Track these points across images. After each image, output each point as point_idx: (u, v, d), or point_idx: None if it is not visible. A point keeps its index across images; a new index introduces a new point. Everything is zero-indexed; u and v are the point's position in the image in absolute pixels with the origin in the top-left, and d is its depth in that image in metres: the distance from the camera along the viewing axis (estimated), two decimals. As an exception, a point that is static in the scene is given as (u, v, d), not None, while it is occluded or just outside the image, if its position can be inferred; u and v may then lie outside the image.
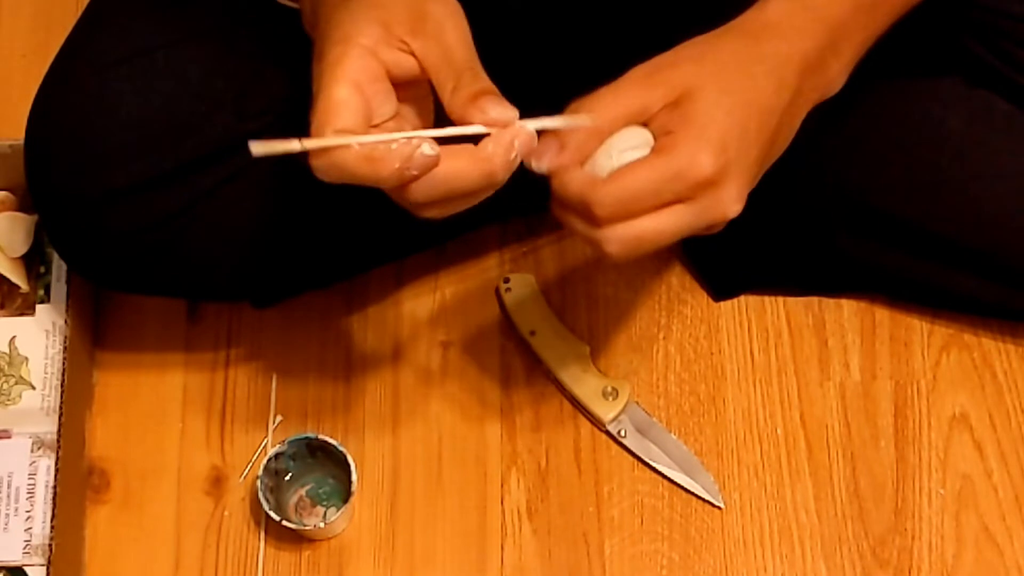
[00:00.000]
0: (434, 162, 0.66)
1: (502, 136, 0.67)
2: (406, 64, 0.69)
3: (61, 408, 1.01)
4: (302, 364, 1.10)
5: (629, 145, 0.72)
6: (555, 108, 0.73)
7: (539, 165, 0.71)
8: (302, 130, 0.90)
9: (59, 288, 1.06)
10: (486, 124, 0.67)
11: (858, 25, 0.78)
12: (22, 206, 1.09)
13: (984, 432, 1.06)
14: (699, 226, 0.72)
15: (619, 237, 0.71)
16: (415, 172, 0.66)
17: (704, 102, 0.71)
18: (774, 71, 0.74)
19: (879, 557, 1.02)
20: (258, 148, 0.65)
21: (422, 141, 0.65)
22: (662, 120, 0.72)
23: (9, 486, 1.01)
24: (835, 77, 0.78)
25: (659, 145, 0.72)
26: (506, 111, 0.67)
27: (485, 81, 0.68)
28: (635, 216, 0.71)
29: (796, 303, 1.11)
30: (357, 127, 0.66)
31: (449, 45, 0.68)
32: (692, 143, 0.70)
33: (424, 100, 0.71)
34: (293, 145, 0.65)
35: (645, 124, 0.73)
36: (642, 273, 1.12)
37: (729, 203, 0.72)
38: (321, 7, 0.74)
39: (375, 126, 0.68)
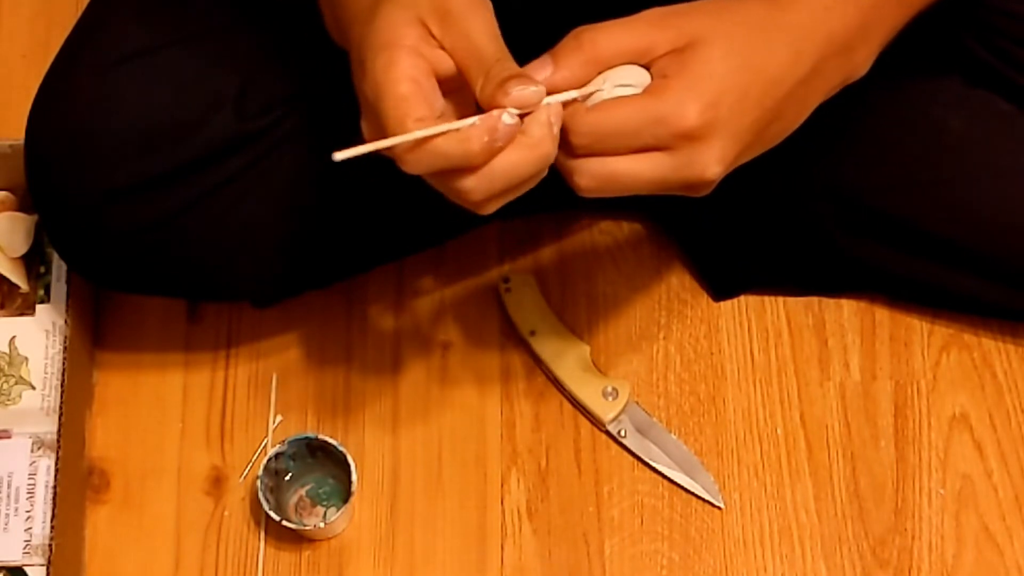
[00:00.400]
0: (516, 129, 0.66)
1: (540, 116, 0.67)
2: (446, 61, 0.69)
3: (61, 408, 1.01)
4: (302, 364, 1.10)
5: (624, 81, 0.71)
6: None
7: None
8: (306, 130, 0.91)
9: (59, 288, 1.06)
10: (516, 106, 0.67)
11: (892, 11, 0.76)
12: (22, 206, 1.09)
13: (984, 432, 1.06)
14: (675, 180, 0.71)
15: (591, 171, 0.70)
16: (501, 143, 0.66)
17: (708, 54, 0.70)
18: (793, 43, 0.72)
19: (879, 557, 1.02)
20: (341, 155, 0.66)
21: (502, 112, 0.66)
22: (663, 64, 0.71)
23: (9, 486, 1.01)
24: (861, 62, 0.76)
25: (651, 87, 0.70)
26: (533, 90, 0.67)
27: (513, 68, 0.67)
28: (611, 153, 0.70)
29: (796, 303, 1.11)
30: (430, 116, 0.67)
31: (475, 38, 0.68)
32: (683, 91, 0.69)
33: (464, 93, 0.71)
34: (379, 144, 0.66)
35: (647, 66, 0.71)
36: (642, 273, 1.12)
37: (709, 163, 0.70)
38: (345, 13, 0.73)
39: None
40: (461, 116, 0.69)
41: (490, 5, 0.70)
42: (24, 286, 1.07)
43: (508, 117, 0.66)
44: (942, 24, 0.94)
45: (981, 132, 0.96)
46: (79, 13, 0.94)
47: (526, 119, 0.67)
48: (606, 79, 0.71)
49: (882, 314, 1.10)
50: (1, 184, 1.09)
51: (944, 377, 1.08)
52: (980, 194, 0.97)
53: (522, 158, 0.67)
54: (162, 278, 0.95)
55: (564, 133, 0.70)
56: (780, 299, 1.11)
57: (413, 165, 0.67)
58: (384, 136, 0.67)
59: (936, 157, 0.97)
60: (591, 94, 0.71)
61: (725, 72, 0.70)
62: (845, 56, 0.75)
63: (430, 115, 0.67)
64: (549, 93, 0.69)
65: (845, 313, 1.10)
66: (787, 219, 1.04)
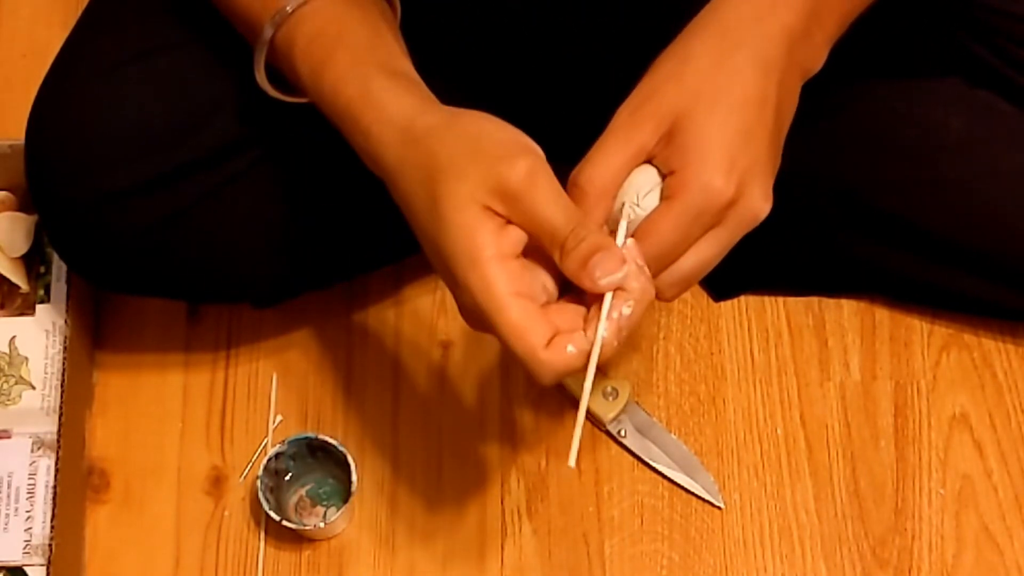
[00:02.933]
0: (640, 304, 0.69)
1: (632, 271, 0.68)
2: (522, 235, 0.69)
3: (61, 408, 1.01)
4: (302, 364, 1.10)
5: (642, 191, 0.72)
6: (558, 111, 0.72)
7: None
8: (305, 131, 0.91)
9: (59, 288, 1.06)
10: (602, 291, 0.68)
11: None
12: (22, 206, 1.09)
13: (984, 432, 1.06)
14: (736, 239, 0.73)
15: (667, 283, 0.73)
16: (627, 332, 0.69)
17: (696, 125, 0.71)
18: (756, 55, 0.73)
19: (879, 557, 1.02)
20: (573, 459, 0.71)
21: (617, 308, 0.68)
22: (662, 157, 0.72)
23: (9, 486, 1.01)
24: (820, 48, 0.77)
25: (669, 189, 0.71)
26: (618, 267, 0.68)
27: (583, 238, 0.68)
28: (676, 260, 0.72)
29: (796, 303, 1.11)
30: (551, 331, 0.68)
31: (540, 214, 0.68)
32: (699, 176, 0.70)
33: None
34: (580, 423, 0.71)
35: (648, 160, 0.73)
36: (642, 273, 1.12)
37: (758, 207, 0.72)
38: (375, 167, 0.74)
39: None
40: (549, 264, 0.70)
41: (544, 160, 0.69)
42: (24, 286, 1.07)
43: (626, 308, 0.68)
44: (943, 25, 0.94)
45: (982, 132, 0.96)
46: (79, 13, 0.94)
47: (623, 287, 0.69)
48: (624, 199, 0.72)
49: (882, 314, 1.10)
50: (1, 184, 1.09)
51: (944, 377, 1.08)
52: (980, 194, 0.97)
53: (638, 313, 0.69)
54: (162, 279, 0.95)
55: None
56: (780, 299, 1.11)
57: (551, 379, 0.70)
58: (497, 330, 0.69)
59: (936, 157, 0.97)
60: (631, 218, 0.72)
61: (718, 129, 0.71)
62: (807, 45, 0.75)
63: (550, 330, 0.68)
64: None
65: (845, 313, 1.10)
66: (788, 219, 1.04)
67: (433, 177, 0.69)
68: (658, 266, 0.71)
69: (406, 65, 0.77)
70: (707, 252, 0.72)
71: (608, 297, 0.69)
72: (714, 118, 0.71)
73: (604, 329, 0.68)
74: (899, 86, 0.97)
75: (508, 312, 0.67)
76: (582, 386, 1.04)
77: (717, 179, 0.70)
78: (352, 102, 0.74)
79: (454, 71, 0.76)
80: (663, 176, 0.72)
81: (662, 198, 0.72)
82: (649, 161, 0.73)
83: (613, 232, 0.72)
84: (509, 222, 0.69)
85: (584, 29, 0.93)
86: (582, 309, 0.70)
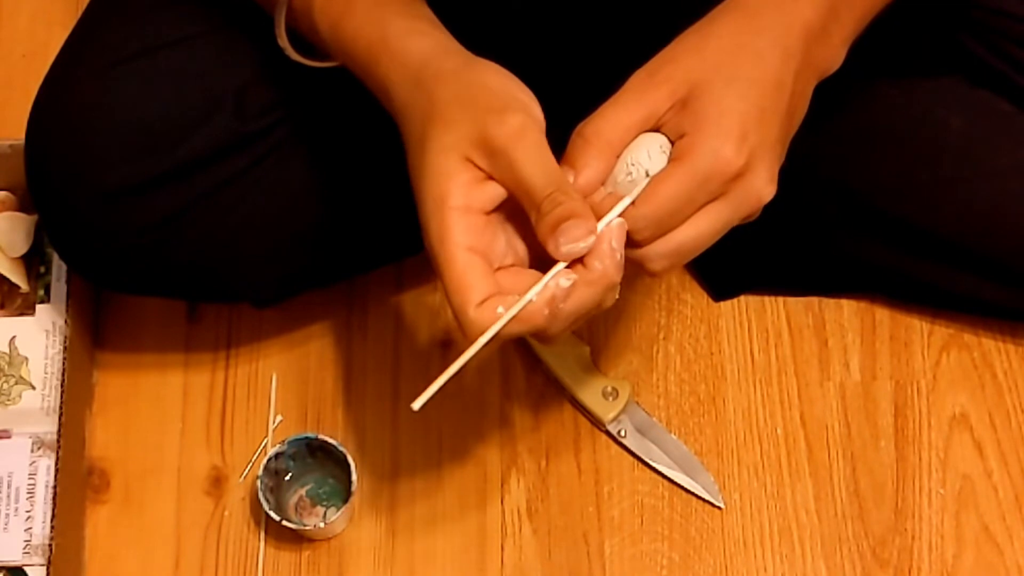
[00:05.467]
0: (575, 286, 0.67)
1: (601, 249, 0.67)
2: (499, 192, 0.69)
3: (61, 408, 1.01)
4: (302, 364, 1.10)
5: (646, 155, 0.70)
6: (561, 102, 0.72)
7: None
8: (306, 130, 0.91)
9: (59, 288, 1.06)
10: (570, 259, 0.67)
11: None
12: (22, 206, 1.09)
13: (984, 432, 1.06)
14: (737, 219, 0.71)
15: (660, 253, 0.71)
16: (563, 303, 0.67)
17: (713, 94, 0.70)
18: (778, 41, 0.72)
19: (879, 557, 1.02)
20: (418, 403, 0.68)
21: (556, 278, 0.67)
22: (673, 123, 0.71)
23: (9, 486, 1.01)
24: (838, 47, 0.76)
25: (678, 151, 0.70)
26: (583, 245, 0.67)
27: (560, 199, 0.67)
28: (673, 229, 0.70)
29: (796, 303, 1.11)
30: (490, 291, 0.67)
31: (521, 171, 0.67)
32: (711, 140, 0.69)
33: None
34: (448, 375, 0.68)
35: (656, 128, 0.71)
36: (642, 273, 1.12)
37: (762, 188, 0.71)
38: (389, 104, 0.73)
39: (498, 270, 0.69)
40: (529, 233, 0.69)
41: (539, 119, 0.69)
42: (24, 286, 1.07)
43: (565, 280, 0.67)
44: (943, 25, 0.94)
45: (982, 132, 0.96)
46: (79, 13, 0.94)
47: (587, 257, 0.67)
48: (627, 160, 0.71)
49: (882, 314, 1.10)
50: (1, 184, 1.09)
51: (944, 377, 1.08)
52: (981, 194, 0.97)
53: (587, 295, 0.68)
54: (162, 279, 0.95)
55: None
56: (780, 299, 1.11)
57: (486, 345, 0.68)
58: (441, 279, 0.68)
59: (937, 157, 0.97)
60: (628, 180, 0.70)
61: (736, 101, 0.70)
62: (824, 43, 0.75)
63: (489, 290, 0.67)
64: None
65: (845, 313, 1.10)
66: (788, 219, 1.04)
67: (426, 121, 0.69)
68: (656, 231, 0.70)
69: (425, 9, 0.76)
70: (705, 225, 0.71)
71: (560, 266, 0.67)
72: (732, 90, 0.70)
73: (534, 293, 0.67)
74: (899, 85, 0.97)
75: (454, 263, 0.67)
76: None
77: (728, 147, 0.69)
78: (371, 47, 0.74)
79: (466, 33, 0.75)
80: (672, 143, 0.71)
81: (670, 161, 0.70)
82: (658, 130, 0.71)
83: (611, 199, 0.70)
84: (490, 178, 0.68)
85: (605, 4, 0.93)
86: (539, 277, 0.68)
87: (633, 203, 0.69)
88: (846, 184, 1.00)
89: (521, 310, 0.67)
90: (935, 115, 0.96)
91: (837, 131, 0.98)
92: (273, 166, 0.92)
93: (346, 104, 0.91)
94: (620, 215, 0.69)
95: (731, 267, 1.10)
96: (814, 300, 1.11)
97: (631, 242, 0.70)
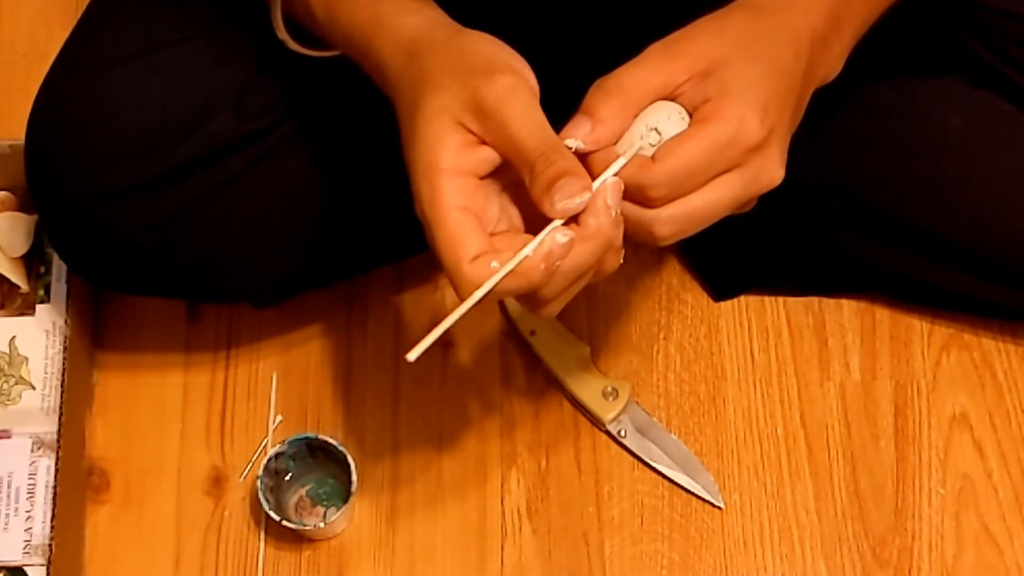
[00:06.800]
0: (572, 243, 0.66)
1: (596, 206, 0.66)
2: (491, 156, 0.68)
3: (61, 408, 1.01)
4: (302, 364, 1.10)
5: (665, 117, 0.70)
6: (565, 98, 0.72)
7: (578, 143, 0.69)
8: (306, 130, 0.91)
9: (59, 288, 1.06)
10: (564, 217, 0.66)
11: (859, 3, 0.77)
12: (22, 206, 1.09)
13: (984, 432, 1.06)
14: (747, 196, 0.71)
15: (671, 217, 0.69)
16: (560, 260, 0.66)
17: (735, 69, 0.69)
18: (790, 42, 0.72)
19: (879, 557, 1.02)
20: (413, 355, 0.66)
21: (553, 234, 0.66)
22: (693, 92, 0.70)
23: (9, 486, 1.01)
24: (837, 56, 0.76)
25: (702, 114, 0.69)
26: (579, 201, 0.66)
27: (555, 158, 0.66)
28: (687, 193, 0.69)
29: (796, 303, 1.11)
30: (483, 247, 0.66)
31: (513, 132, 0.66)
32: (737, 106, 0.68)
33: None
34: (444, 326, 0.67)
35: (672, 99, 0.71)
36: (642, 273, 1.12)
37: (775, 168, 0.70)
38: (383, 80, 0.73)
39: (492, 235, 0.68)
40: (524, 203, 0.68)
41: (530, 82, 0.68)
42: (24, 286, 1.07)
43: (561, 236, 0.66)
44: (942, 25, 0.94)
45: (982, 132, 0.96)
46: (79, 13, 0.94)
47: (582, 215, 0.66)
48: (643, 123, 0.70)
49: (882, 314, 1.10)
50: (1, 184, 1.09)
51: (944, 377, 1.08)
52: (980, 194, 0.97)
53: (585, 253, 0.67)
54: (162, 279, 0.95)
55: (639, 189, 0.69)
56: (780, 299, 1.11)
57: (480, 303, 0.67)
58: (433, 239, 0.67)
59: (937, 157, 0.97)
60: (638, 146, 0.70)
61: (758, 78, 0.70)
62: (826, 51, 0.75)
63: (483, 245, 0.66)
64: (595, 149, 0.68)
65: (845, 313, 1.10)
66: (788, 219, 1.04)
67: (417, 90, 0.69)
68: (672, 191, 0.69)
69: None
70: (717, 195, 0.69)
71: (557, 223, 0.66)
72: (753, 68, 0.70)
73: (531, 249, 0.66)
74: (899, 86, 0.97)
75: (447, 222, 0.66)
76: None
77: (754, 116, 0.68)
78: (366, 28, 0.74)
79: (466, 22, 0.75)
80: (690, 113, 0.70)
81: (692, 123, 0.69)
82: (673, 101, 0.71)
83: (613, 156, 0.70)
84: (483, 142, 0.68)
85: None
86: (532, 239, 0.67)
87: (653, 159, 0.68)
88: (846, 184, 1.00)
89: (518, 265, 0.66)
90: (935, 115, 0.96)
91: (837, 131, 0.98)
92: (273, 166, 0.92)
93: (345, 103, 0.91)
94: (631, 182, 0.68)
95: (731, 267, 1.10)
96: (814, 300, 1.11)
97: (643, 202, 0.69)
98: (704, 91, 0.70)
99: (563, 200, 0.65)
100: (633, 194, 0.69)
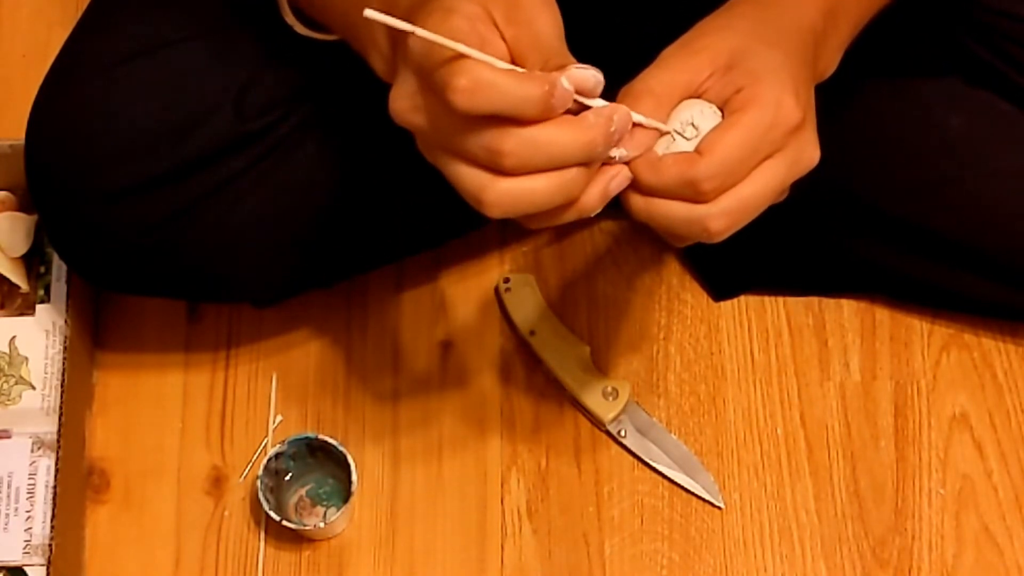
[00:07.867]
0: (570, 98, 0.64)
1: (601, 109, 0.65)
2: (499, 48, 0.65)
3: (61, 408, 1.01)
4: (302, 364, 1.10)
5: (699, 112, 0.69)
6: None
7: (621, 151, 0.68)
8: (306, 129, 0.90)
9: (59, 288, 1.06)
10: (574, 84, 0.64)
11: (851, 3, 0.77)
12: (22, 206, 1.09)
13: (984, 432, 1.06)
14: (790, 179, 0.70)
15: (724, 209, 0.68)
16: (556, 102, 0.63)
17: (759, 55, 0.69)
18: (793, 35, 0.72)
19: (879, 557, 1.02)
20: (369, 12, 0.62)
21: (561, 73, 0.64)
22: (719, 85, 0.69)
23: (9, 486, 1.01)
24: (833, 51, 0.76)
25: (737, 103, 0.68)
26: (592, 72, 0.64)
27: (571, 60, 0.65)
28: (736, 183, 0.68)
29: (796, 303, 1.11)
30: (492, 38, 0.64)
31: (539, 32, 0.65)
32: (772, 90, 0.68)
33: None
34: (406, 25, 0.62)
35: (695, 97, 0.70)
36: (642, 273, 1.12)
37: (813, 148, 0.70)
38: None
39: None
40: None
41: (556, 7, 0.67)
42: (24, 286, 1.07)
43: (566, 81, 0.63)
44: (943, 25, 0.94)
45: (981, 132, 0.96)
46: (79, 13, 0.94)
47: (583, 112, 0.65)
48: (674, 123, 0.69)
49: (882, 314, 1.10)
50: (1, 184, 1.09)
51: (944, 377, 1.08)
52: (980, 194, 0.97)
53: (569, 136, 0.64)
54: (162, 279, 0.95)
55: (691, 184, 0.67)
56: (780, 299, 1.11)
57: (467, 96, 0.62)
58: (429, 109, 0.64)
59: (936, 157, 0.97)
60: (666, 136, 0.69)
61: (781, 65, 0.69)
62: (823, 43, 0.75)
63: (492, 35, 0.64)
64: (638, 154, 0.68)
65: (845, 313, 1.10)
66: (788, 219, 1.04)
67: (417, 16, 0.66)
68: (723, 182, 0.68)
69: None
70: (766, 180, 0.69)
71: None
72: (775, 51, 0.70)
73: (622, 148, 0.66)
74: (899, 86, 0.97)
75: (454, 32, 0.62)
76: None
77: (789, 97, 0.68)
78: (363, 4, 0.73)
79: None
80: (719, 108, 0.69)
81: (730, 113, 0.69)
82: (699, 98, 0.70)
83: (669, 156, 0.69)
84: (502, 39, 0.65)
85: None
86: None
87: (699, 153, 0.67)
88: (846, 184, 1.00)
89: (523, 73, 0.63)
90: (935, 115, 0.96)
91: (836, 131, 0.97)
92: (273, 166, 0.92)
93: (345, 103, 0.91)
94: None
95: (731, 267, 1.10)
96: (814, 300, 1.11)
97: (695, 198, 0.68)
98: (733, 82, 0.69)
99: (580, 69, 0.64)
100: (684, 191, 0.68)
